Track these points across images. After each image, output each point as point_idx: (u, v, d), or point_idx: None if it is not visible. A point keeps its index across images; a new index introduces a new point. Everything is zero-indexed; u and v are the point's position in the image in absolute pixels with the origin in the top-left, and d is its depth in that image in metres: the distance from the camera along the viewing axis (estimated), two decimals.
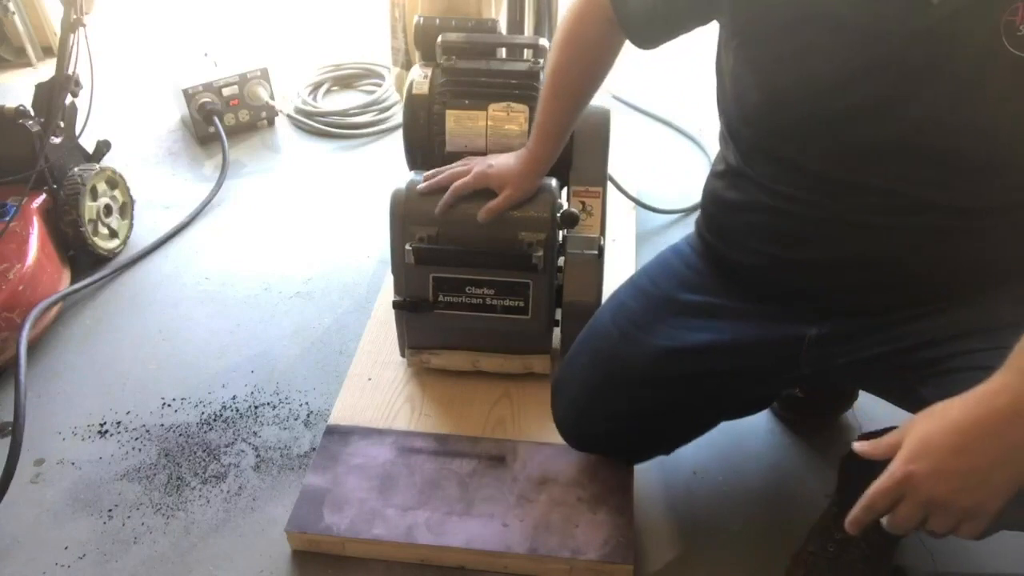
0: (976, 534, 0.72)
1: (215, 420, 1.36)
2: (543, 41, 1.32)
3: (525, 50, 1.35)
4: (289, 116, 2.27)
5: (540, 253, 1.16)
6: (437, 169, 1.22)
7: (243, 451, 1.31)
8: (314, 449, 1.29)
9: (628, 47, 1.07)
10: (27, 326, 1.39)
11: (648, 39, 1.03)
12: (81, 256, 1.69)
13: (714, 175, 1.04)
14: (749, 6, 0.87)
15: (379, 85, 2.39)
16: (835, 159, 0.85)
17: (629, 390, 1.07)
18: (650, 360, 1.04)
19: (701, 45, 1.07)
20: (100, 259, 1.71)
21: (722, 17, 0.92)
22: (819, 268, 0.93)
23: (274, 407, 1.39)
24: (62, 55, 1.60)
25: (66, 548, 1.16)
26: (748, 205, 0.96)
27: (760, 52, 0.88)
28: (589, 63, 1.10)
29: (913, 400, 0.84)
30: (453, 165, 1.22)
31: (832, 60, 0.81)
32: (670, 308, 1.06)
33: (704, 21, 0.96)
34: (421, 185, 1.20)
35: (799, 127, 0.87)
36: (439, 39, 1.30)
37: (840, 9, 0.79)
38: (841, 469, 1.11)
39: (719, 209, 1.03)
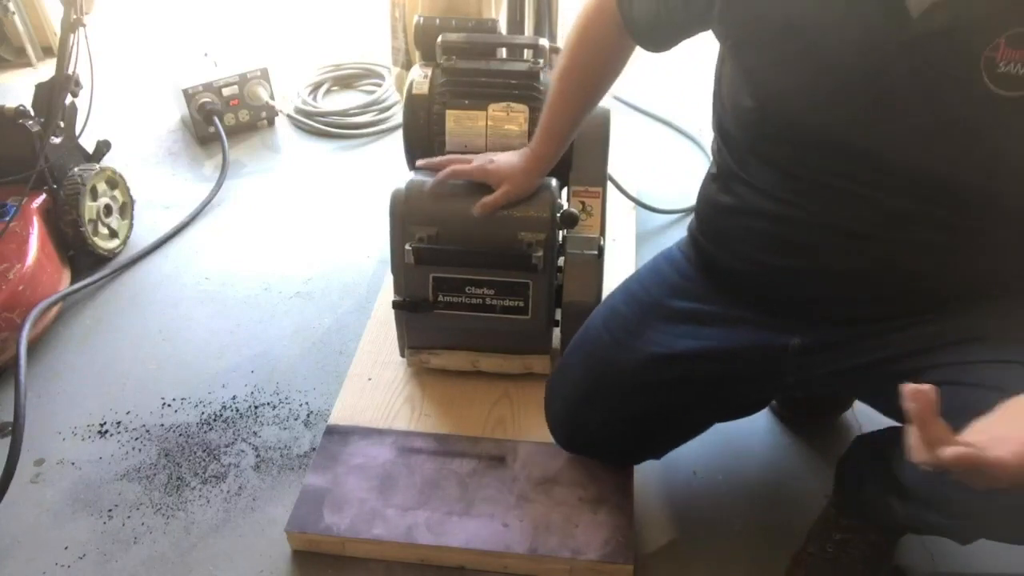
0: None
1: (215, 420, 1.36)
2: (543, 41, 1.32)
3: (525, 50, 1.35)
4: (289, 116, 2.27)
5: (540, 253, 1.16)
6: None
7: (243, 451, 1.31)
8: (314, 449, 1.29)
9: (639, 50, 1.07)
10: (27, 326, 1.39)
11: (655, 42, 1.03)
12: (81, 256, 1.69)
13: (710, 178, 1.04)
14: (740, 14, 0.87)
15: (379, 85, 2.39)
16: (827, 166, 0.85)
17: (620, 394, 1.08)
18: (640, 365, 1.04)
19: (701, 47, 1.07)
20: (100, 259, 1.71)
21: (716, 25, 0.92)
22: (811, 275, 0.93)
23: (274, 407, 1.39)
24: (62, 55, 1.60)
25: (66, 548, 1.16)
26: (743, 209, 0.96)
27: (752, 58, 0.88)
28: (599, 66, 1.10)
29: (900, 409, 0.84)
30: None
31: (822, 69, 0.81)
32: (660, 314, 1.06)
33: (704, 26, 0.96)
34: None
35: (791, 133, 0.87)
36: (439, 39, 1.30)
37: (826, 19, 0.79)
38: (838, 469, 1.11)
39: (714, 212, 1.03)
